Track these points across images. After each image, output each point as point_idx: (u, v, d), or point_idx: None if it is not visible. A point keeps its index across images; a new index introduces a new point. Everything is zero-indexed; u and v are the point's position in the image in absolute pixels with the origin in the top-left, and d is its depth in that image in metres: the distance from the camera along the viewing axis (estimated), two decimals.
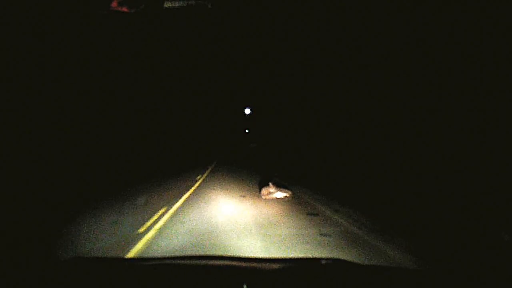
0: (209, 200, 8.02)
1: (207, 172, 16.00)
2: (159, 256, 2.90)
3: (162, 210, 6.72)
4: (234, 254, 3.99)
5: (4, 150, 10.03)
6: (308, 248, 4.38)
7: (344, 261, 1.62)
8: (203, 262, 1.70)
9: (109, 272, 1.48)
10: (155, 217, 6.14)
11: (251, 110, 47.54)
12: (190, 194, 8.96)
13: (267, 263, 1.67)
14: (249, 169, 17.57)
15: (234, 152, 39.25)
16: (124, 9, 4.74)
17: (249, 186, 10.55)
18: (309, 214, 6.62)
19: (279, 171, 15.25)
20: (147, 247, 4.39)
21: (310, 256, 3.97)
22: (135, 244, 4.49)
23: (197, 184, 11.13)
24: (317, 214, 6.59)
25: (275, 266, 1.57)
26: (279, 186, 8.64)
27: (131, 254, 4.14)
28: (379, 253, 4.26)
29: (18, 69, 11.18)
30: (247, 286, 1.26)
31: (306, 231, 5.26)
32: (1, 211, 6.61)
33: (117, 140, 19.21)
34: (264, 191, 8.34)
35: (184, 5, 4.94)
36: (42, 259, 3.94)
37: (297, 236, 4.96)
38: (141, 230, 5.23)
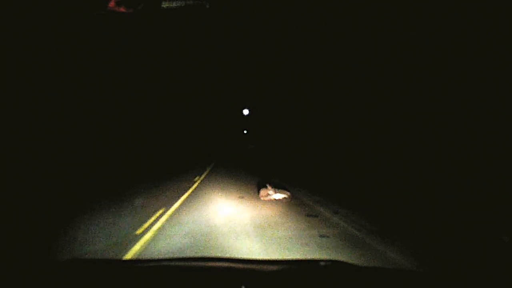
0: (207, 201, 7.99)
1: (205, 173, 15.96)
2: (157, 258, 2.88)
3: (160, 211, 6.69)
4: (233, 255, 3.97)
5: (3, 150, 9.98)
6: (307, 249, 4.37)
7: (344, 262, 1.61)
8: (201, 263, 1.68)
9: (107, 274, 1.46)
10: (153, 218, 6.11)
11: (249, 111, 47.54)
12: (188, 195, 8.93)
13: (266, 265, 1.66)
14: (247, 170, 17.55)
15: (233, 153, 39.24)
16: (122, 9, 4.73)
17: (247, 187, 10.53)
18: (308, 215, 6.60)
19: (278, 172, 15.24)
20: (145, 249, 4.37)
21: (309, 257, 3.96)
22: (133, 246, 4.46)
23: (195, 185, 11.09)
24: (316, 216, 6.57)
25: (274, 267, 1.55)
26: (278, 187, 8.63)
27: (129, 255, 4.10)
28: (378, 254, 4.25)
29: (17, 70, 11.13)
30: None
31: (305, 233, 5.24)
32: None
33: (115, 141, 19.16)
34: (263, 192, 8.33)
35: (182, 5, 4.94)
36: (39, 261, 3.90)
37: (296, 237, 4.95)
38: (139, 231, 5.20)
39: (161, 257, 3.90)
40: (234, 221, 5.98)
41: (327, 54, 17.05)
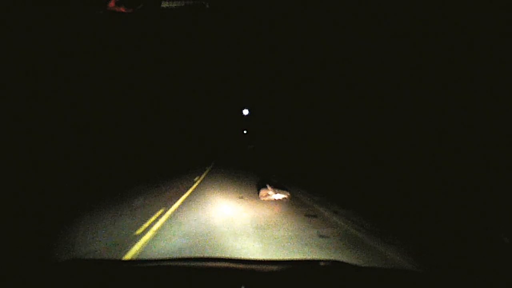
0: (207, 202, 7.99)
1: (205, 173, 15.96)
2: (157, 258, 2.88)
3: (160, 212, 6.68)
4: (232, 256, 3.97)
5: (4, 150, 9.97)
6: (307, 249, 4.37)
7: (343, 263, 1.61)
8: (201, 264, 1.68)
9: (107, 274, 1.46)
10: (153, 218, 6.10)
11: (249, 111, 47.49)
12: (188, 196, 8.92)
13: (266, 265, 1.66)
14: (247, 170, 17.56)
15: (232, 153, 39.25)
16: (122, 9, 4.73)
17: (247, 188, 10.53)
18: (307, 215, 6.60)
19: (278, 172, 15.24)
20: (144, 249, 4.36)
21: (309, 258, 3.95)
22: (132, 246, 4.45)
23: (195, 186, 11.09)
24: (315, 216, 6.57)
25: (274, 268, 1.56)
26: (277, 187, 8.63)
27: (129, 256, 4.10)
28: (378, 255, 4.25)
29: (16, 70, 11.13)
30: None
31: (305, 233, 5.24)
32: None
33: (114, 141, 19.14)
34: (262, 192, 8.33)
35: (182, 5, 4.94)
36: (39, 261, 3.90)
37: (295, 237, 4.95)
38: (139, 232, 5.20)
39: (160, 257, 3.89)
40: (234, 221, 5.98)
41: (327, 54, 17.06)
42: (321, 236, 5.03)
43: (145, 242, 4.65)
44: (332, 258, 3.59)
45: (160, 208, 7.03)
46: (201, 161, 26.11)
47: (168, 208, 7.10)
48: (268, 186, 8.47)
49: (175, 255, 4.04)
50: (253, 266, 1.62)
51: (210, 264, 1.69)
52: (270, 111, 34.72)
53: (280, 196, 8.13)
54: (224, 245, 4.49)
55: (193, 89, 46.07)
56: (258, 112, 43.91)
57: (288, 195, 8.22)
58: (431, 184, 8.19)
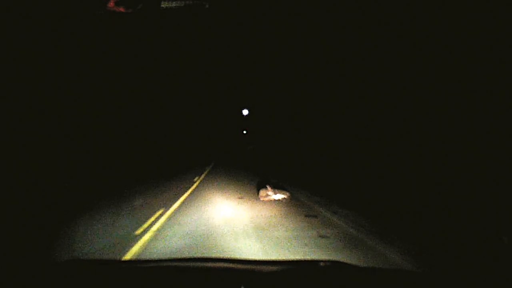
0: (207, 202, 7.98)
1: (204, 173, 15.96)
2: (156, 258, 2.88)
3: (159, 212, 6.68)
4: (232, 256, 3.96)
5: (4, 150, 9.97)
6: (307, 250, 4.36)
7: (343, 263, 1.61)
8: (201, 264, 1.68)
9: (106, 274, 1.46)
10: (152, 219, 6.10)
11: (249, 111, 47.43)
12: (188, 196, 8.92)
13: (265, 265, 1.65)
14: (247, 170, 17.57)
15: (232, 153, 39.26)
16: (121, 9, 4.72)
17: (247, 188, 10.52)
18: (307, 215, 6.60)
19: (277, 173, 15.24)
20: (144, 249, 4.36)
21: (309, 258, 3.95)
22: (132, 246, 4.45)
23: (194, 186, 11.09)
24: (315, 216, 6.57)
25: (273, 268, 1.55)
26: (277, 187, 8.63)
27: (128, 256, 4.10)
28: (378, 255, 4.24)
29: (16, 70, 11.12)
30: None
31: (305, 233, 5.24)
32: None
33: (113, 141, 19.14)
34: (262, 193, 8.32)
35: (182, 5, 4.93)
36: (38, 261, 3.89)
37: (295, 238, 4.94)
38: (138, 232, 5.19)
39: (160, 257, 3.89)
40: (234, 221, 5.97)
41: (327, 54, 17.06)
42: (321, 236, 5.03)
43: (145, 242, 4.64)
44: (332, 258, 3.59)
45: (159, 208, 7.02)
46: (200, 161, 26.12)
47: (168, 208, 7.10)
48: (267, 186, 8.46)
49: (174, 256, 4.03)
50: (253, 266, 1.62)
51: (209, 264, 1.69)
52: (270, 111, 34.69)
53: (279, 196, 8.12)
54: (224, 246, 4.49)
55: (193, 89, 46.10)
56: (258, 112, 43.86)
57: (287, 196, 8.21)
58: (431, 184, 8.18)
